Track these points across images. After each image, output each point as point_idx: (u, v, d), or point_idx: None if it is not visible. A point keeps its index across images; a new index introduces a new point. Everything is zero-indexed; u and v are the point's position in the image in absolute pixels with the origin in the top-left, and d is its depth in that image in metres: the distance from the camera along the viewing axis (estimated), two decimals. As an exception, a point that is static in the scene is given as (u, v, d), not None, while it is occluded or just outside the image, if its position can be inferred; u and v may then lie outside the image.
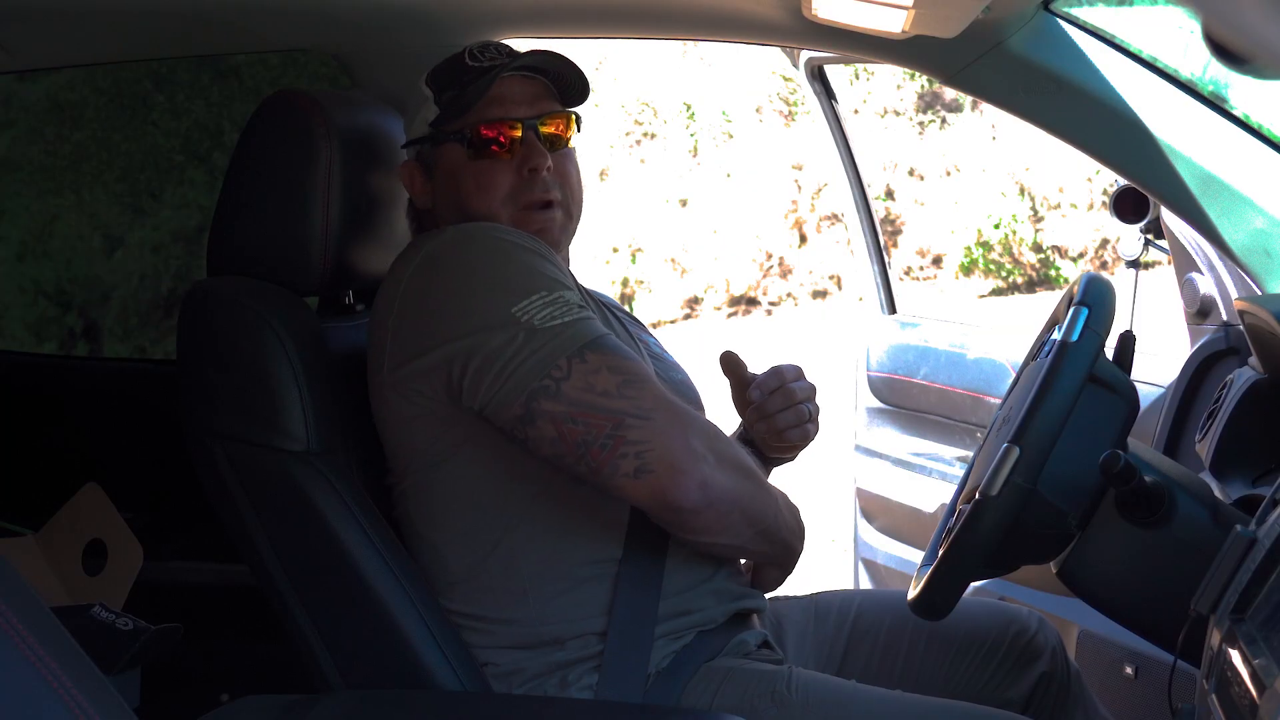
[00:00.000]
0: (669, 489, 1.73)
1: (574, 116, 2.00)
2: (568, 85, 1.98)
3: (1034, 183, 10.31)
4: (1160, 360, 2.75)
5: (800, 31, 2.32)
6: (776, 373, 2.09)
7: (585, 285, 2.12)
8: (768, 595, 2.02)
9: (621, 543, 1.86)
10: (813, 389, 2.11)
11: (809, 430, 2.10)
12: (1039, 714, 2.03)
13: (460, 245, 1.84)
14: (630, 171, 10.31)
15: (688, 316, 10.27)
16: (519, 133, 1.94)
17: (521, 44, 2.06)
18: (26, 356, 4.24)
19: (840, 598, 2.14)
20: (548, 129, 1.96)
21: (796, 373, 2.10)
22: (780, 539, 1.90)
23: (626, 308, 2.29)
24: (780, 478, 2.22)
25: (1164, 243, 2.91)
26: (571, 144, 2.00)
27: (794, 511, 1.94)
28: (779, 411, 2.07)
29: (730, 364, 2.12)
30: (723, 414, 2.24)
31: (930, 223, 10.35)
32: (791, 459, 2.18)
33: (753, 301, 10.47)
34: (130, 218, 6.01)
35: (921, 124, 10.49)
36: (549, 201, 1.95)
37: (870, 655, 2.06)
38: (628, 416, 1.74)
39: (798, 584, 2.24)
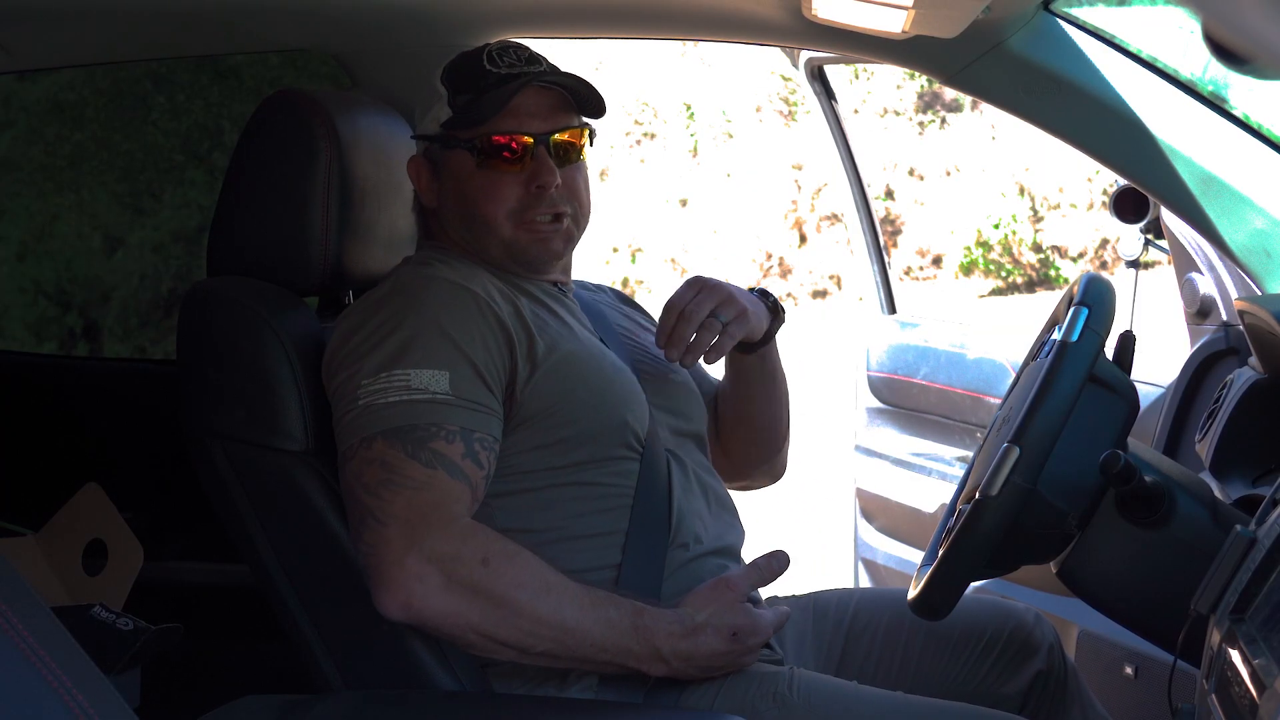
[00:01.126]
0: (375, 597, 1.74)
1: (588, 129, 1.99)
2: (584, 98, 1.96)
3: (1034, 183, 10.32)
4: (1160, 360, 2.75)
5: (800, 31, 2.32)
6: (666, 309, 1.97)
7: (588, 281, 2.12)
8: (764, 594, 2.03)
9: (620, 549, 1.87)
10: (713, 293, 1.95)
11: (733, 331, 1.95)
12: (1036, 710, 2.03)
13: (373, 305, 1.87)
14: (630, 171, 10.32)
15: (688, 316, 10.26)
16: (531, 142, 1.92)
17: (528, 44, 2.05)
18: (26, 356, 4.23)
19: (838, 596, 2.14)
20: (561, 138, 1.94)
21: (690, 286, 1.97)
22: (583, 657, 1.78)
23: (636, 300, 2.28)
24: (781, 479, 2.21)
25: (1164, 243, 2.91)
26: (584, 156, 1.99)
27: (625, 629, 1.77)
28: (694, 337, 1.95)
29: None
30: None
31: (930, 223, 10.35)
32: (770, 334, 2.07)
33: (753, 301, 10.45)
34: (130, 218, 6.01)
35: (921, 124, 10.49)
36: (555, 215, 1.95)
37: (868, 652, 2.06)
38: (369, 517, 1.75)
39: (797, 584, 2.25)
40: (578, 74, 1.95)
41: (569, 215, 1.96)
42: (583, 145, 1.97)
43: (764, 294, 2.08)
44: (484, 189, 1.93)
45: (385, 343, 1.81)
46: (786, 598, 2.13)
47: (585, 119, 1.99)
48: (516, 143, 1.92)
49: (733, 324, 1.96)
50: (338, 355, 1.85)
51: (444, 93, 1.97)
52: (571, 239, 1.98)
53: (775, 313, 2.09)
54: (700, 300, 1.95)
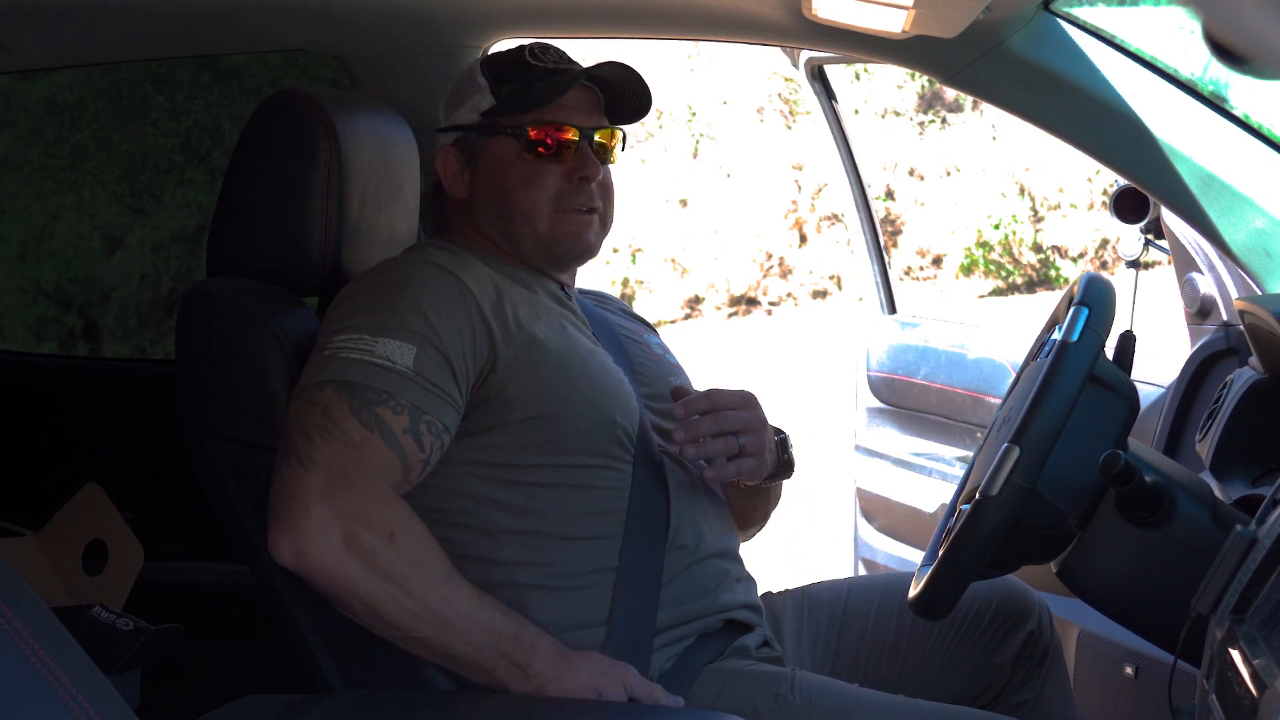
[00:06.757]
0: (270, 536, 1.70)
1: (621, 133, 2.02)
2: (620, 102, 2.00)
3: (1034, 183, 10.32)
4: (1160, 360, 2.75)
5: (800, 31, 2.32)
6: (708, 395, 1.90)
7: (585, 288, 2.12)
8: (760, 589, 2.03)
9: (617, 553, 1.87)
10: (753, 421, 1.91)
11: (743, 465, 1.90)
12: (1021, 673, 2.06)
13: (360, 281, 1.89)
14: (630, 171, 10.32)
15: (688, 316, 10.28)
16: (575, 137, 1.95)
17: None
18: (26, 356, 4.23)
19: (830, 587, 2.15)
20: (601, 137, 1.98)
21: (741, 400, 1.91)
22: (454, 653, 1.74)
23: (632, 309, 2.29)
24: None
25: (1164, 243, 2.91)
26: (615, 159, 2.02)
27: (506, 636, 1.74)
28: (706, 437, 1.88)
29: (678, 396, 1.98)
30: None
31: (930, 223, 10.35)
32: (766, 485, 2.05)
33: (753, 301, 10.47)
34: (130, 218, 6.02)
35: (921, 124, 10.49)
36: (591, 208, 1.97)
37: (862, 635, 2.08)
38: (294, 456, 1.72)
39: (795, 579, 2.25)
40: (630, 66, 1.95)
41: (600, 212, 1.99)
42: (614, 146, 2.01)
43: (783, 444, 2.03)
44: (526, 176, 1.96)
45: (362, 311, 1.82)
46: (782, 594, 2.14)
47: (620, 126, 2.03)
48: (562, 135, 1.95)
49: (748, 458, 1.91)
50: (322, 324, 1.86)
51: (484, 84, 1.99)
52: (600, 235, 2.01)
53: (785, 466, 2.03)
54: (744, 418, 1.90)
